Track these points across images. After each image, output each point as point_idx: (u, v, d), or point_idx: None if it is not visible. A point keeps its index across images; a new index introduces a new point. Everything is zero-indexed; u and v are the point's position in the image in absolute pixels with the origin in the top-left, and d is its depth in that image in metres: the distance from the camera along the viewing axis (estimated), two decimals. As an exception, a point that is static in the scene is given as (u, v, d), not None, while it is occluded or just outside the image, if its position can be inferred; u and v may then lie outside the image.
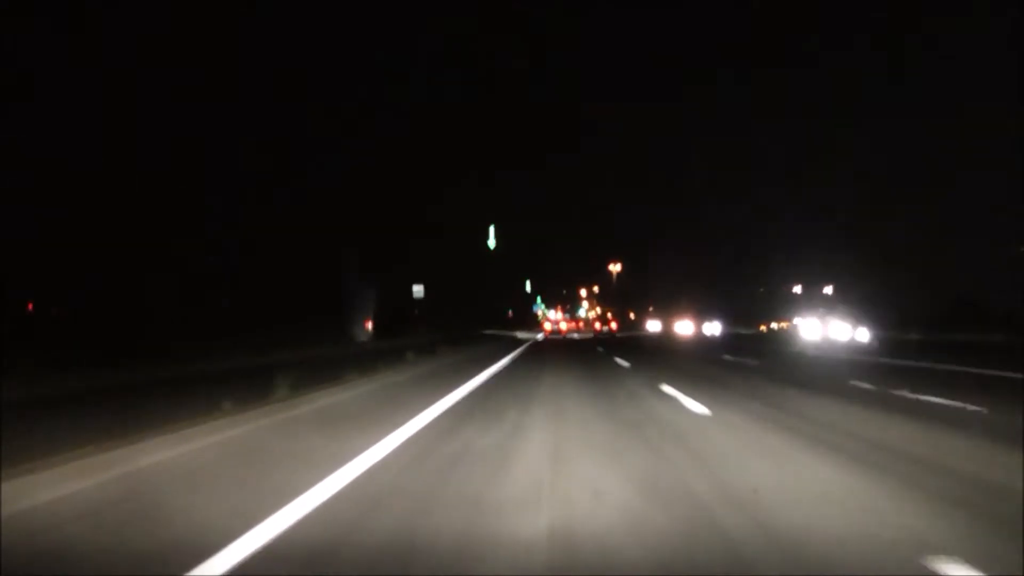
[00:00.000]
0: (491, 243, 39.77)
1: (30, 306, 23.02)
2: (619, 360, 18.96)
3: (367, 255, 33.10)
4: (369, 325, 29.06)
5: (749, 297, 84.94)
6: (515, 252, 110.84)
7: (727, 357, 20.25)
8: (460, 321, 62.49)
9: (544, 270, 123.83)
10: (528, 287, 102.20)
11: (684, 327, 60.21)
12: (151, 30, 25.34)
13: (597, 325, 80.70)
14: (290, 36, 42.44)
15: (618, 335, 67.02)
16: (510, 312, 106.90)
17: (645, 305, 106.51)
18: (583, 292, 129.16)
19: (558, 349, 27.15)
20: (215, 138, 28.48)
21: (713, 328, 55.73)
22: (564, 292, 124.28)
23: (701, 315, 60.68)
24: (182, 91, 26.42)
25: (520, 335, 68.07)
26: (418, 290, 35.30)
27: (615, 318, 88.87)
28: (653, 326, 77.72)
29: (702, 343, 34.82)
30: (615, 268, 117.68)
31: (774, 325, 70.21)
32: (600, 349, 26.11)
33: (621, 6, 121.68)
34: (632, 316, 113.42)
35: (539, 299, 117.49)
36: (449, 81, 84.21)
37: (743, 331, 59.39)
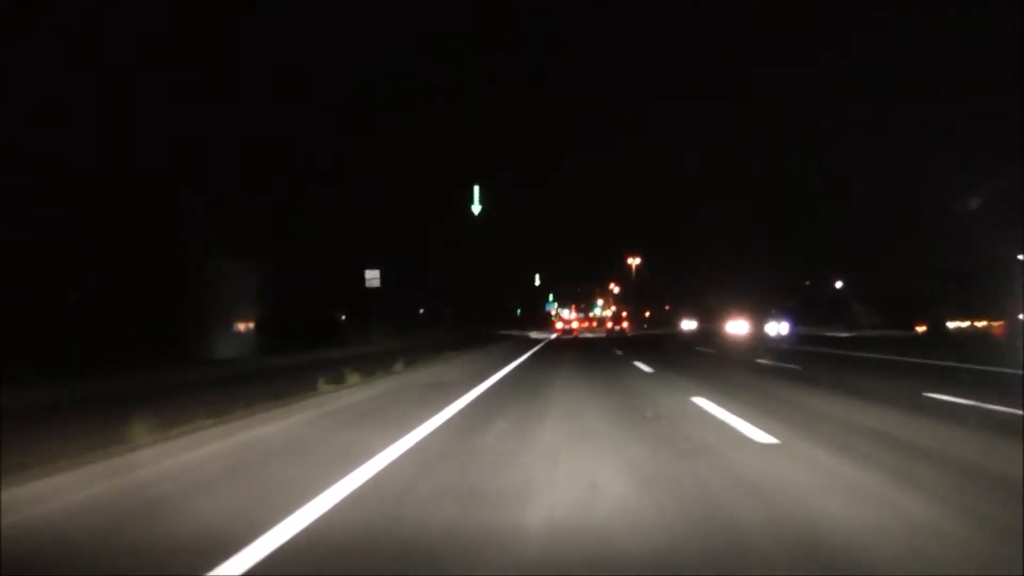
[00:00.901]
0: (475, 208, 29.97)
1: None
2: (712, 408, 8.68)
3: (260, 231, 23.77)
4: (244, 328, 18.85)
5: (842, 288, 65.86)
6: (523, 244, 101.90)
7: (954, 400, 9.74)
8: (449, 320, 52.76)
9: (557, 268, 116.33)
10: (537, 281, 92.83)
11: (737, 327, 49.26)
12: (151, 30, 25.48)
13: (609, 324, 73.19)
14: (290, 36, 41.61)
15: (629, 334, 58.13)
16: (519, 311, 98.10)
17: (673, 301, 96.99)
18: (598, 289, 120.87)
19: (569, 371, 16.45)
20: (215, 138, 27.86)
21: (780, 328, 44.08)
22: (579, 290, 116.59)
23: (761, 311, 49.42)
24: (182, 91, 26.34)
25: (532, 335, 58.59)
26: (372, 277, 25.26)
27: (628, 317, 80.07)
28: (688, 325, 67.61)
29: (789, 351, 22.25)
30: (634, 262, 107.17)
31: (957, 324, 41.70)
32: (647, 368, 15.51)
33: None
34: (648, 314, 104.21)
35: (551, 297, 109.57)
36: (450, 80, 78.15)
37: (834, 332, 40.91)
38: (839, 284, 76.06)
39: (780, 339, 36.24)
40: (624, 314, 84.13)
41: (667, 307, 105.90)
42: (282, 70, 36.31)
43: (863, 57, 77.23)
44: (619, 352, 24.19)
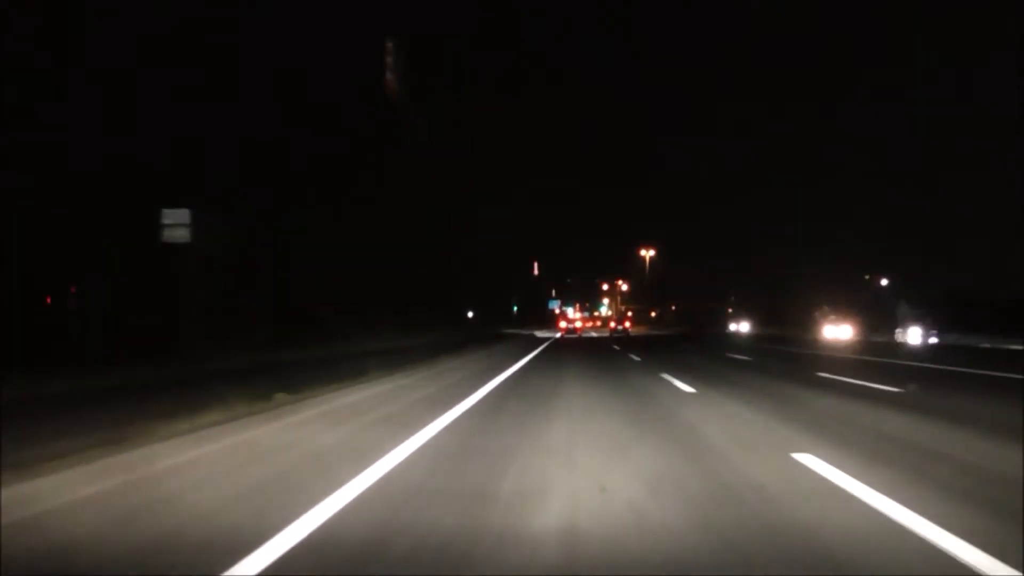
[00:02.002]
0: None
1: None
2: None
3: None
4: None
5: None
6: (525, 240, 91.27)
7: None
8: (426, 318, 40.17)
9: (564, 266, 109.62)
10: (536, 270, 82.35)
11: (838, 331, 36.42)
12: (151, 30, 25.37)
13: (612, 324, 68.96)
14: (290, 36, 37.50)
15: (633, 334, 53.76)
16: (515, 308, 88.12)
17: (689, 298, 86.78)
18: (606, 287, 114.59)
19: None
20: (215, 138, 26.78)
21: (926, 334, 29.47)
22: (586, 289, 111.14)
23: (877, 310, 36.28)
24: (183, 91, 26.09)
25: (539, 334, 48.00)
26: (176, 222, 14.41)
27: (631, 317, 76.57)
28: (740, 326, 58.22)
29: None
30: (648, 254, 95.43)
31: None
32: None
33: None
34: (654, 314, 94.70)
35: (554, 292, 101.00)
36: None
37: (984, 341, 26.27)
38: (884, 281, 64.60)
39: (930, 353, 22.28)
40: (629, 314, 79.11)
41: (673, 307, 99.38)
42: (282, 70, 33.74)
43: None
44: (689, 388, 11.10)
